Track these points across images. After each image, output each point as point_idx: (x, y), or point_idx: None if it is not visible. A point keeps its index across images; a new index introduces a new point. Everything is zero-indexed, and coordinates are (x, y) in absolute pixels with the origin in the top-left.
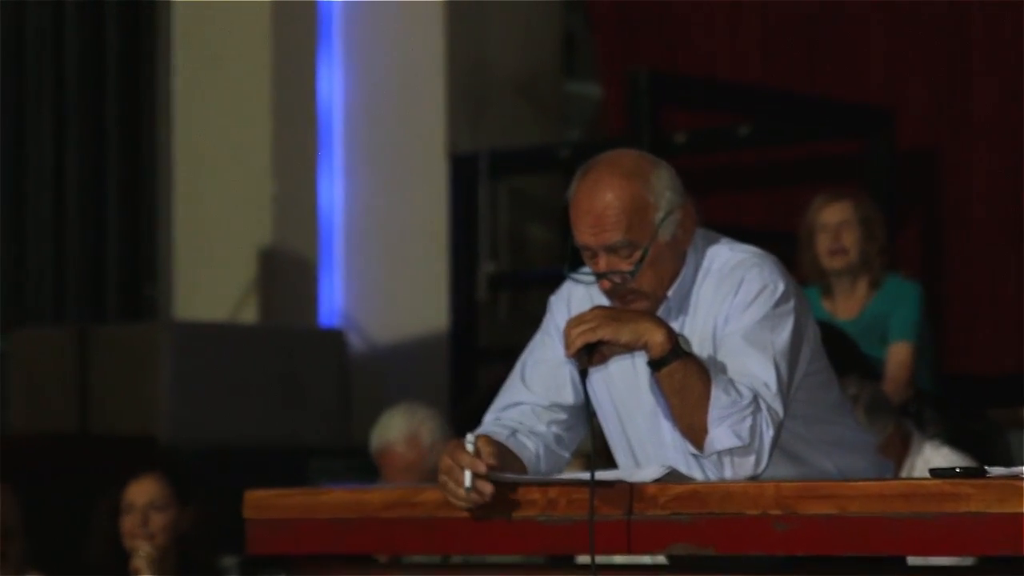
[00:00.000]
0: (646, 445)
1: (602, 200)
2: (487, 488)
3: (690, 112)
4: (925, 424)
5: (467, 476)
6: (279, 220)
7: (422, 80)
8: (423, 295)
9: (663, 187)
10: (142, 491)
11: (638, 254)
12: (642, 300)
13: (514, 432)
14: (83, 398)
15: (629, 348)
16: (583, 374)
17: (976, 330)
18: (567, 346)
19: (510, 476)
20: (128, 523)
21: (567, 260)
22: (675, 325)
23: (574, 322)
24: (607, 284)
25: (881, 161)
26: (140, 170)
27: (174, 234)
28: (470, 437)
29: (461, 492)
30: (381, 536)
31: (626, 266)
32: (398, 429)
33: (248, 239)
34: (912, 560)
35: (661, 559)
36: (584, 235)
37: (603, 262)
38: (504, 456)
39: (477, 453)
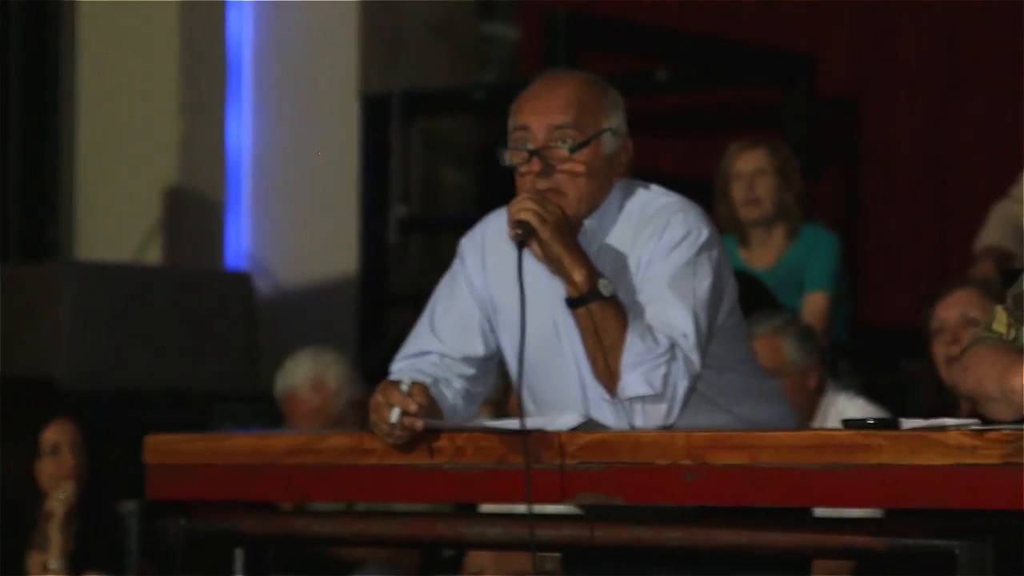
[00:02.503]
0: (550, 390)
1: (556, 87)
2: (417, 424)
3: (608, 55)
4: (840, 375)
5: (395, 412)
6: (186, 159)
7: (335, 18)
8: (332, 238)
9: (617, 105)
10: (63, 432)
11: (581, 141)
12: (564, 201)
13: (435, 381)
14: None
15: (548, 263)
16: (520, 245)
17: (894, 281)
18: (510, 213)
19: (439, 422)
20: (51, 465)
21: (500, 146)
22: (590, 255)
23: (526, 197)
24: (536, 165)
25: (800, 108)
26: (43, 107)
27: (77, 172)
28: (406, 379)
29: (383, 427)
30: (284, 483)
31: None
32: (303, 374)
33: (154, 178)
34: (819, 511)
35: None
36: (527, 115)
37: (541, 139)
38: (431, 405)
39: (409, 394)
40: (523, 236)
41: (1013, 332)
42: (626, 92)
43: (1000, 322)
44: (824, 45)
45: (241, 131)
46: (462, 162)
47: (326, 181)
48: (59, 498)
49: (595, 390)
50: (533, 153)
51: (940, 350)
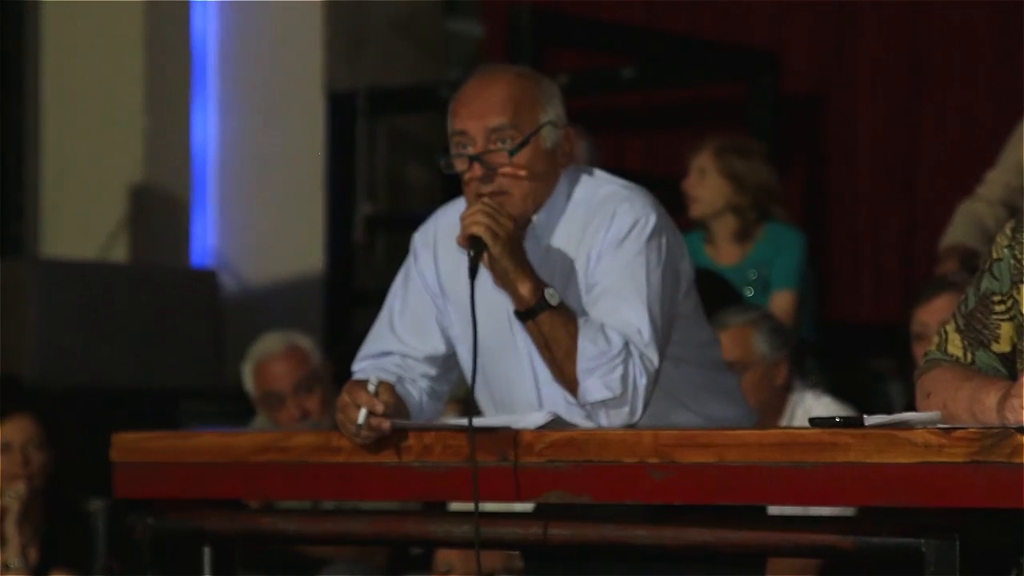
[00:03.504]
0: (505, 387)
1: (490, 88)
2: (384, 424)
3: (573, 53)
4: (807, 373)
5: (362, 413)
6: (151, 156)
7: (299, 16)
8: (298, 235)
9: (552, 95)
10: (19, 429)
11: (519, 143)
12: (510, 203)
13: (400, 379)
14: None
15: (495, 277)
16: (472, 271)
17: (859, 278)
18: (463, 227)
19: (406, 422)
20: (5, 463)
21: (441, 152)
22: (540, 253)
23: (478, 209)
24: (478, 170)
25: (765, 105)
26: (7, 104)
27: (42, 170)
28: (373, 379)
29: (350, 427)
30: (251, 481)
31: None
32: (276, 341)
33: (119, 175)
34: (773, 510)
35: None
36: (463, 120)
37: (480, 143)
38: (397, 403)
39: (376, 394)
40: (475, 257)
41: (970, 356)
42: (591, 89)
43: (955, 345)
44: (788, 42)
45: (206, 129)
46: (427, 159)
47: (292, 179)
48: (11, 496)
49: (550, 387)
50: (473, 159)
51: (921, 356)
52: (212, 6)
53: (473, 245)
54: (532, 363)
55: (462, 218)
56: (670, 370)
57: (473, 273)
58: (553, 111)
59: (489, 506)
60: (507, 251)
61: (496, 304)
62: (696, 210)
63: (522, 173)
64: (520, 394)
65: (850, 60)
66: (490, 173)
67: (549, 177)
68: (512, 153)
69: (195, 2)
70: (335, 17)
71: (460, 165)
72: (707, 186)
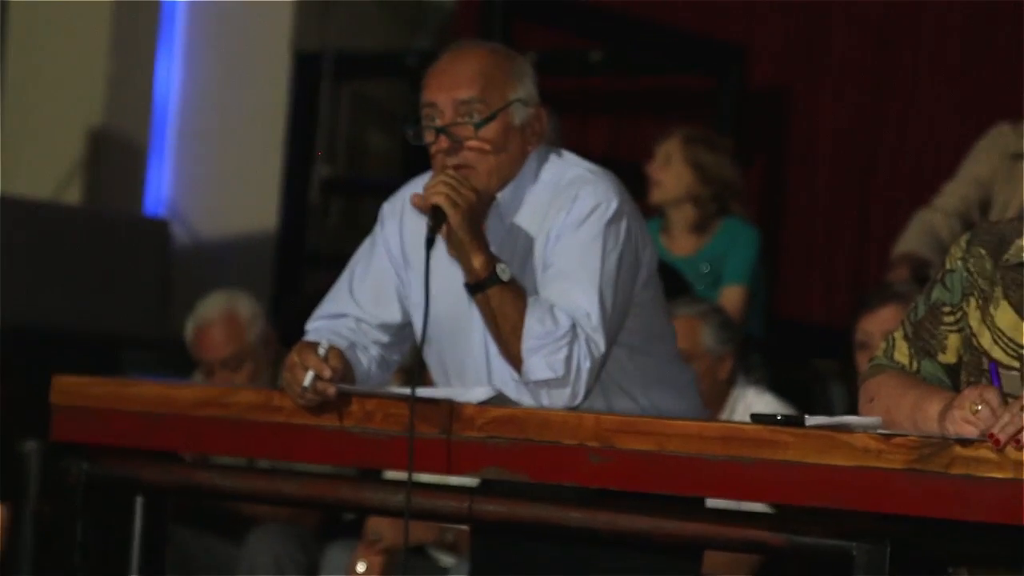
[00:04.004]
0: (457, 360)
1: (461, 61)
2: (330, 389)
3: (544, 31)
4: (751, 369)
5: (308, 376)
6: (112, 101)
7: None
8: (254, 192)
9: (524, 74)
10: None
11: (487, 116)
12: (475, 176)
13: (352, 345)
14: None
15: (450, 247)
16: (429, 240)
17: (810, 278)
18: (424, 196)
19: (350, 387)
20: None
21: (408, 127)
22: (502, 231)
23: (440, 180)
24: (444, 142)
25: (730, 98)
26: None
27: (2, 107)
28: (324, 343)
29: (295, 388)
30: (189, 434)
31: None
32: (215, 306)
33: (79, 118)
34: (711, 503)
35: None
36: (433, 91)
37: (448, 116)
38: (345, 368)
39: (326, 359)
40: (434, 227)
41: (916, 364)
42: (559, 70)
43: (902, 352)
44: (757, 36)
45: (170, 78)
46: (389, 127)
47: (252, 135)
48: None
49: (501, 363)
50: (440, 131)
51: (864, 364)
52: None
53: (433, 215)
54: (485, 338)
55: (425, 188)
56: (623, 359)
57: (430, 243)
58: (524, 89)
59: (425, 478)
60: (465, 222)
61: (456, 277)
62: (656, 195)
63: (487, 147)
64: (471, 368)
65: (818, 60)
66: (456, 145)
67: (516, 154)
68: (478, 126)
69: None
70: None
71: (428, 137)
72: (671, 173)
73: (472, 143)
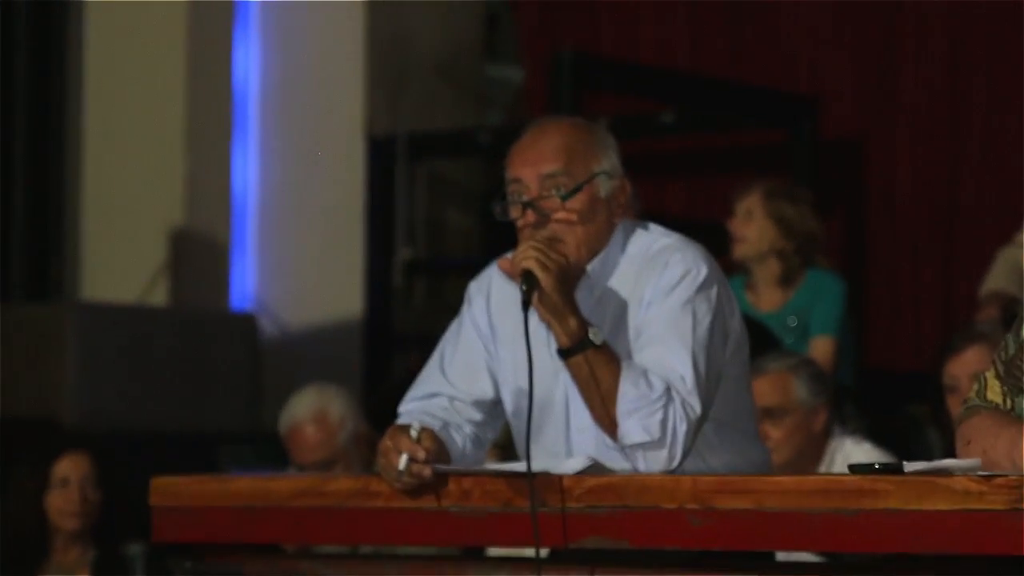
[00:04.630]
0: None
1: (546, 136)
2: (426, 471)
3: (613, 97)
4: (846, 419)
5: (403, 459)
6: (191, 200)
7: (340, 59)
8: (337, 280)
9: (607, 146)
10: (77, 466)
11: (572, 188)
12: (563, 248)
13: (445, 425)
14: None
15: (543, 312)
16: (525, 303)
17: (899, 324)
18: (514, 262)
19: (446, 467)
20: (60, 499)
21: (496, 197)
22: (592, 301)
23: (529, 245)
24: (531, 217)
25: (804, 150)
26: (49, 145)
27: (82, 212)
28: (416, 425)
29: (391, 472)
30: (290, 525)
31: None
32: (306, 407)
33: (159, 219)
34: (781, 556)
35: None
36: (518, 167)
37: (534, 190)
38: (440, 450)
39: (418, 441)
40: (528, 291)
41: (1010, 402)
42: (631, 134)
43: (994, 391)
44: (828, 87)
45: (247, 172)
46: (467, 205)
47: (332, 223)
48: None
49: (581, 436)
50: (527, 205)
51: (955, 407)
52: (254, 49)
53: (525, 279)
54: (567, 411)
55: (514, 255)
56: (709, 434)
57: (526, 305)
58: (608, 161)
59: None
60: (557, 285)
61: (539, 348)
62: (740, 251)
63: (574, 219)
64: (549, 441)
65: (890, 105)
66: (543, 219)
67: (603, 226)
68: (565, 198)
69: (237, 44)
70: (376, 61)
71: (514, 212)
72: (753, 228)
73: (559, 215)
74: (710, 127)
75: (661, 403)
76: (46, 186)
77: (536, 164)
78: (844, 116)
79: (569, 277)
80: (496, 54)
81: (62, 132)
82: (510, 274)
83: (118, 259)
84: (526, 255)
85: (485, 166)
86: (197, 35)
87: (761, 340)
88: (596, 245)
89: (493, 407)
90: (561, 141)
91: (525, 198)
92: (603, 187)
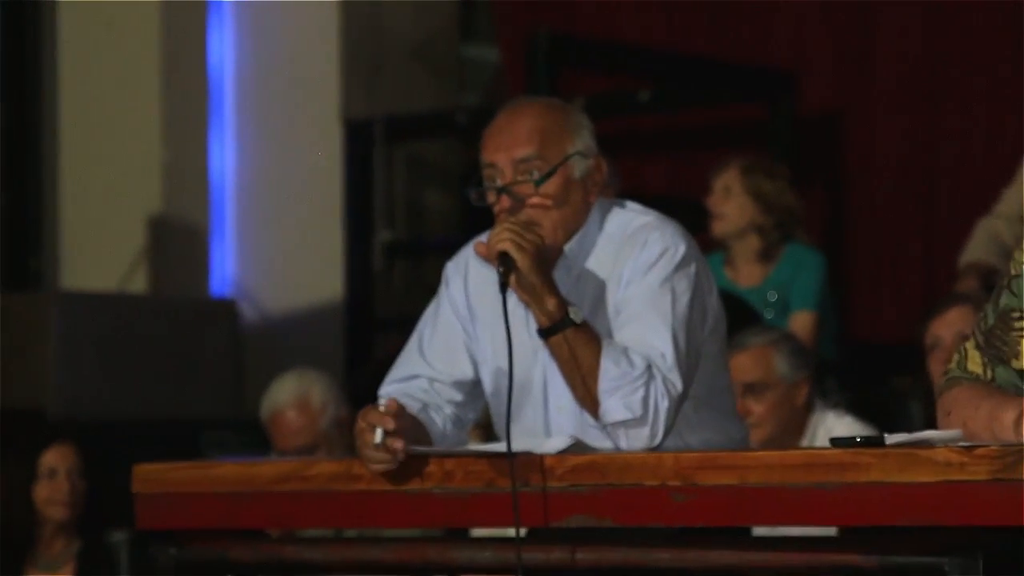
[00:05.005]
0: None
1: (518, 119)
2: (397, 444)
3: (590, 76)
4: (828, 393)
5: (378, 433)
6: (169, 187)
7: (315, 43)
8: (317, 264)
9: (580, 126)
10: (63, 457)
11: (546, 172)
12: (540, 231)
13: (425, 406)
14: None
15: (522, 292)
16: (503, 285)
17: (880, 297)
18: (490, 245)
19: (427, 448)
20: (47, 489)
21: (470, 187)
22: (570, 282)
23: (504, 226)
24: (506, 202)
25: (784, 125)
26: (25, 136)
27: (61, 202)
28: (382, 400)
29: (368, 453)
30: (273, 510)
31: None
32: (287, 393)
33: (137, 207)
34: (757, 531)
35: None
36: (492, 152)
37: (508, 175)
38: (416, 429)
39: (384, 412)
40: (506, 274)
41: (990, 372)
42: (610, 112)
43: (975, 362)
44: (806, 62)
45: (224, 158)
46: (446, 186)
47: (310, 207)
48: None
49: (560, 418)
50: (501, 190)
51: (936, 367)
52: (229, 35)
53: (502, 261)
54: (545, 391)
55: (489, 238)
56: (689, 412)
57: (504, 287)
58: (581, 141)
59: (511, 531)
60: (534, 265)
61: (518, 330)
62: (719, 228)
63: (549, 203)
64: (530, 422)
65: (869, 78)
66: (518, 204)
67: (579, 207)
68: (538, 183)
69: (211, 31)
70: (351, 44)
71: (490, 197)
72: (732, 204)
73: (534, 200)
74: (688, 104)
75: (642, 380)
76: (24, 176)
77: (509, 149)
78: (823, 90)
79: (546, 257)
80: (472, 34)
81: (39, 123)
82: (486, 257)
83: (97, 248)
84: (500, 237)
85: (463, 146)
86: (172, 23)
87: (741, 315)
88: (573, 226)
89: (473, 387)
90: (533, 124)
91: (499, 183)
92: (578, 168)
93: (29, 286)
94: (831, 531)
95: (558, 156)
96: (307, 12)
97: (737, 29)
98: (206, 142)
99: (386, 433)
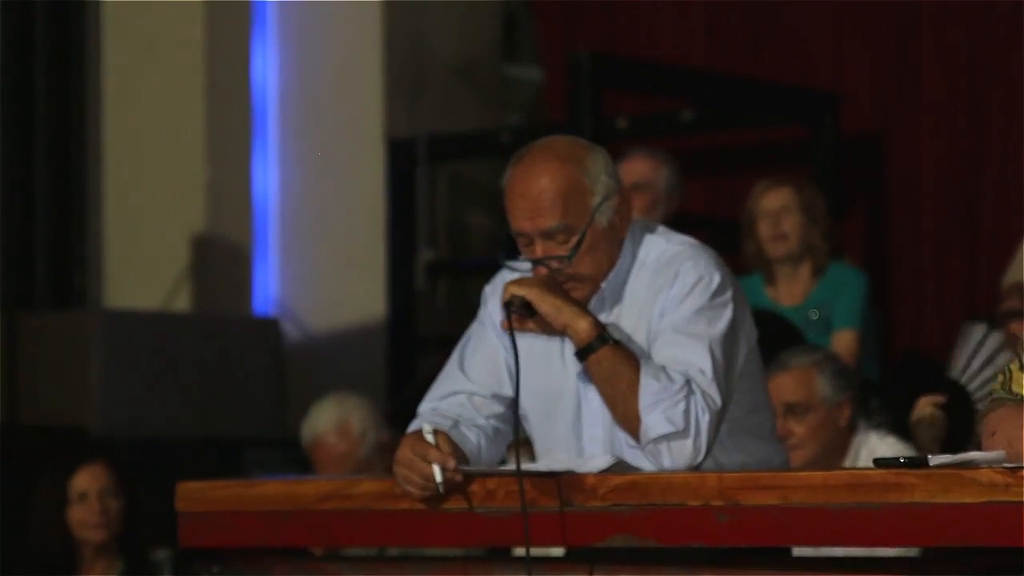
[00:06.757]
0: (549, 435)
1: (537, 184)
2: (458, 478)
3: (633, 96)
4: (871, 413)
5: (437, 472)
6: (212, 206)
7: (359, 63)
8: (360, 283)
9: (599, 171)
10: (94, 478)
11: (575, 239)
12: (581, 286)
13: (456, 423)
14: (11, 388)
15: (552, 326)
16: (509, 331)
17: (923, 317)
18: (503, 296)
19: (476, 468)
20: (80, 512)
21: (502, 248)
22: (607, 316)
23: (514, 280)
24: (544, 271)
25: (826, 146)
26: (70, 154)
27: (105, 220)
28: (428, 428)
29: (419, 481)
30: (316, 528)
31: (562, 251)
32: (327, 420)
33: (181, 226)
34: (798, 552)
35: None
36: (519, 221)
37: (539, 248)
38: (455, 452)
39: (436, 446)
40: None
41: None
42: (651, 133)
43: (1019, 383)
44: (849, 83)
45: (267, 177)
46: (488, 205)
47: (353, 226)
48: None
49: (592, 447)
50: (536, 263)
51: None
52: (272, 54)
53: (505, 306)
54: (578, 420)
55: (503, 288)
56: (722, 435)
57: (510, 333)
58: (602, 187)
59: (555, 551)
60: (546, 293)
61: (552, 355)
62: (782, 248)
63: (584, 271)
64: (562, 448)
65: (912, 99)
66: (556, 272)
67: (612, 247)
68: (570, 258)
69: (255, 50)
70: (394, 63)
71: (529, 256)
72: (792, 223)
73: (569, 271)
74: (730, 124)
75: (683, 394)
76: (68, 195)
77: (535, 219)
78: (865, 111)
79: (556, 284)
80: (514, 54)
81: (83, 141)
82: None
83: (141, 266)
84: (506, 290)
85: (505, 166)
86: (215, 42)
87: (784, 335)
88: (609, 264)
89: (512, 403)
90: (555, 189)
91: (532, 252)
92: (605, 216)
93: (73, 304)
94: (874, 552)
95: (583, 218)
96: (351, 32)
97: (779, 50)
98: (249, 161)
99: (444, 468)
